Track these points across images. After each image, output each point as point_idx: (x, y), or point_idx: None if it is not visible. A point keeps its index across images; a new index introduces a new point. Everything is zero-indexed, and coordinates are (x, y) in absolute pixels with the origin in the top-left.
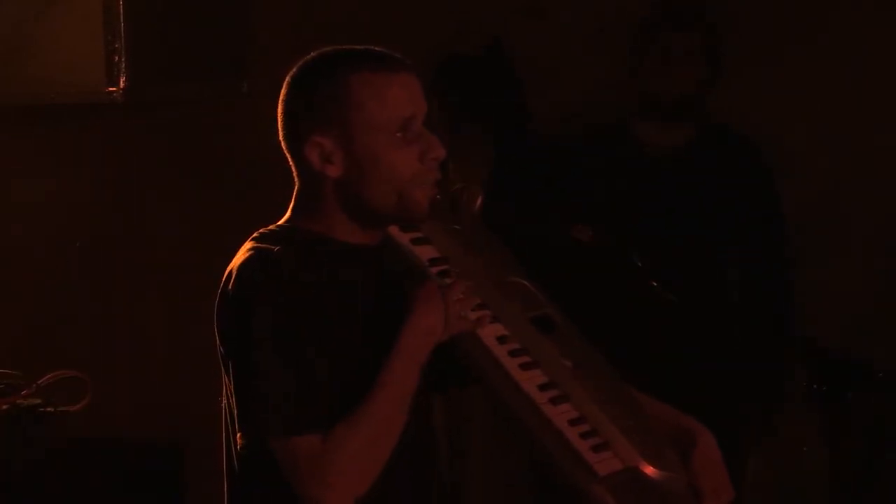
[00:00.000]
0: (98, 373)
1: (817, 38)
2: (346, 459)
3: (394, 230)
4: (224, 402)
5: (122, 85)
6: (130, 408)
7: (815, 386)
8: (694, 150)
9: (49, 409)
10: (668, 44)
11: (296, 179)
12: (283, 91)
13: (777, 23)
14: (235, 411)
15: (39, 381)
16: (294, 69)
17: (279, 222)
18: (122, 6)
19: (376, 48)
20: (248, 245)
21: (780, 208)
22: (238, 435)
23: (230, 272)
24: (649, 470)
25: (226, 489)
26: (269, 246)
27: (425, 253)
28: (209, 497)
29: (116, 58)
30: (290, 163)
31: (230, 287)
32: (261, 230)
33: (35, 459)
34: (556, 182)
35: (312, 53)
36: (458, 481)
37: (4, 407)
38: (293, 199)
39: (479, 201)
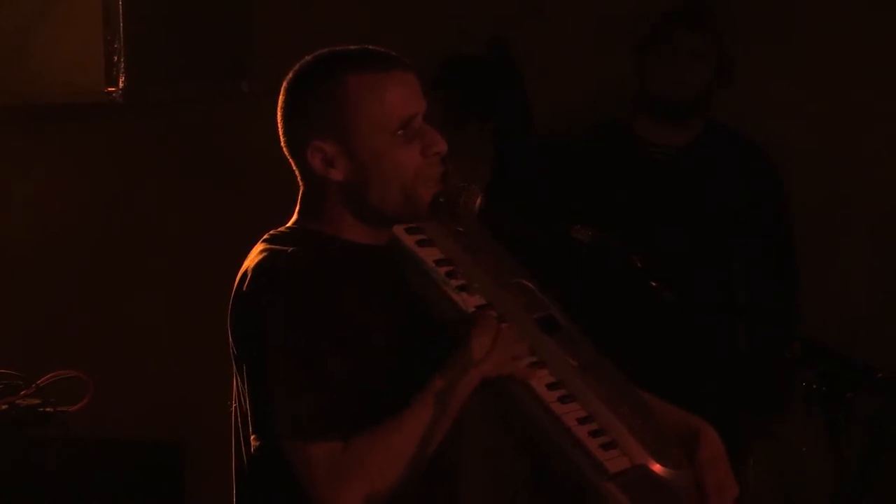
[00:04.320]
0: (98, 373)
1: (820, 37)
2: (366, 473)
3: (399, 232)
4: (234, 405)
5: (121, 85)
6: (130, 408)
7: (815, 386)
8: (698, 150)
9: (48, 409)
10: (677, 44)
11: (300, 182)
12: (280, 97)
13: (779, 21)
14: (249, 414)
15: (39, 382)
16: (290, 74)
17: (288, 224)
18: (121, 6)
19: (372, 47)
20: (260, 247)
21: (787, 209)
22: (252, 437)
23: (244, 273)
24: (657, 468)
25: (234, 492)
26: (282, 247)
27: (430, 255)
28: (209, 497)
29: (116, 58)
30: (293, 166)
31: (244, 289)
32: (272, 232)
33: (34, 460)
34: (558, 181)
35: (307, 57)
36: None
37: (4, 407)
38: (298, 202)
39: (478, 201)
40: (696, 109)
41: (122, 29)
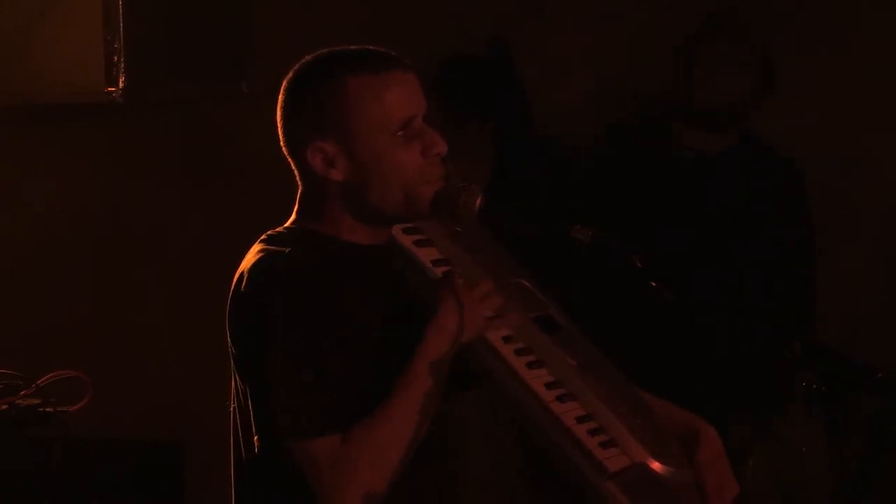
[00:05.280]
0: (98, 373)
1: (821, 37)
2: (366, 460)
3: (396, 233)
4: (233, 405)
5: (121, 85)
6: (130, 408)
7: (815, 386)
8: (731, 159)
9: (48, 409)
10: (720, 54)
11: (299, 182)
12: (280, 97)
13: (780, 21)
14: (251, 414)
15: (39, 381)
16: (290, 74)
17: (286, 224)
18: (121, 6)
19: (372, 47)
20: (257, 247)
21: (807, 220)
22: (255, 437)
23: (241, 274)
24: (656, 466)
25: (234, 493)
26: (279, 247)
27: (428, 255)
28: (209, 497)
29: (116, 58)
30: (293, 167)
31: (242, 289)
32: (269, 232)
33: (34, 460)
34: (559, 181)
35: (308, 57)
36: (456, 482)
37: (4, 407)
38: (297, 202)
39: (478, 201)
40: (737, 120)
41: (122, 29)
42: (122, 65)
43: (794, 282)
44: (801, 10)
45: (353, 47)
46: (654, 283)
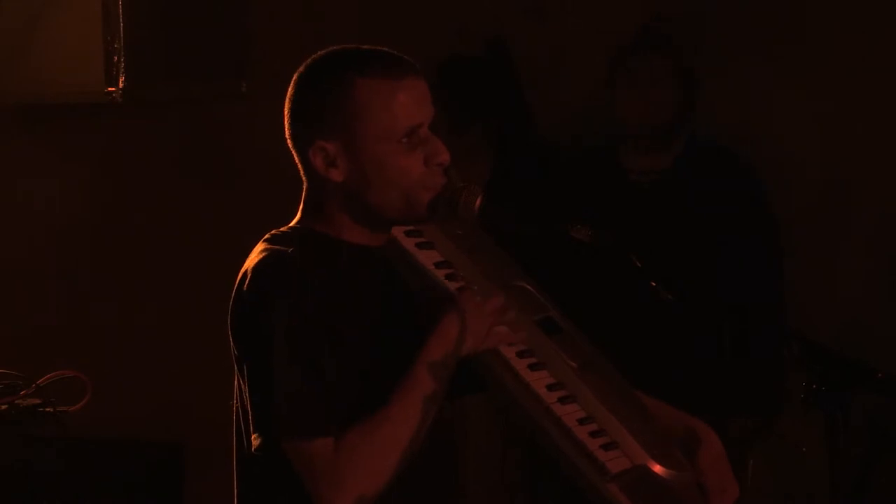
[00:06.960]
0: (98, 373)
1: (821, 38)
2: (361, 462)
3: (398, 235)
4: (236, 404)
5: (121, 85)
6: (130, 408)
7: (814, 386)
8: (679, 172)
9: (48, 409)
10: (636, 71)
11: (303, 178)
12: (290, 90)
13: (781, 23)
14: (250, 412)
15: (39, 381)
16: (302, 68)
17: (291, 223)
18: (121, 6)
19: (384, 49)
20: (261, 246)
21: (769, 223)
22: (253, 436)
23: (245, 273)
24: (657, 468)
25: (235, 492)
26: (282, 247)
27: (430, 257)
28: (209, 497)
29: (115, 58)
30: (297, 162)
31: (245, 288)
32: (272, 231)
33: (34, 460)
34: (555, 184)
35: (321, 52)
36: (458, 482)
37: (3, 407)
38: (302, 200)
39: (478, 201)
40: (670, 133)
41: (122, 29)
42: (122, 65)
43: (759, 275)
44: (800, 9)
45: (366, 47)
46: (653, 283)
